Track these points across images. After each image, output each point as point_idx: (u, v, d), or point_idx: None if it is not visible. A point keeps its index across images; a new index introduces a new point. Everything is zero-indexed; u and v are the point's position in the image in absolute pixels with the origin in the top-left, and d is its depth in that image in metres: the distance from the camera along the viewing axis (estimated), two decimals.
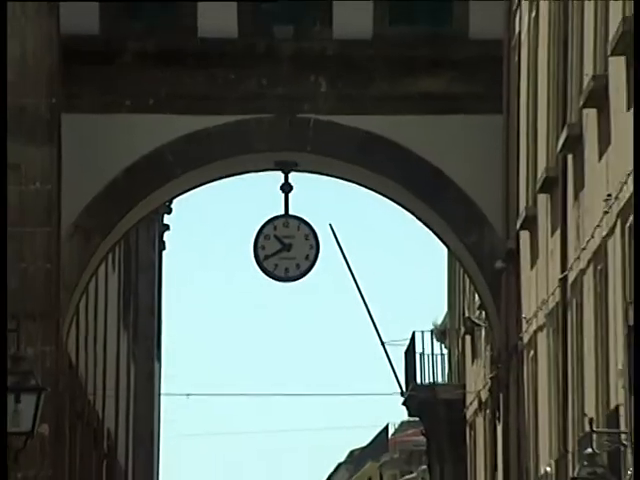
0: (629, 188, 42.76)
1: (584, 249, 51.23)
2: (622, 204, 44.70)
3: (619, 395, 42.11)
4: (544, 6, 59.55)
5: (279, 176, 68.66)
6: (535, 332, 61.94)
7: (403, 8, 66.18)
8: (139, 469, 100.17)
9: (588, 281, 50.66)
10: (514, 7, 65.96)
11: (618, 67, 44.61)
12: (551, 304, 57.29)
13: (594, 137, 49.30)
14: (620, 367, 41.80)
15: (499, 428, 71.13)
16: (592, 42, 49.47)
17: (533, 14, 61.83)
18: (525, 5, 64.04)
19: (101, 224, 64.54)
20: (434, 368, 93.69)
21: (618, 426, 42.07)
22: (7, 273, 53.75)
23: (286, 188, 67.81)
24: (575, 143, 52.46)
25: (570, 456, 51.70)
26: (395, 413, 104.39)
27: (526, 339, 63.90)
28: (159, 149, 63.43)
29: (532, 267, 62.43)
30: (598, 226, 47.45)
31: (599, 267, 48.44)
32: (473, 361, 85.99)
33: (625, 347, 41.04)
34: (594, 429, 44.05)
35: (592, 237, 49.12)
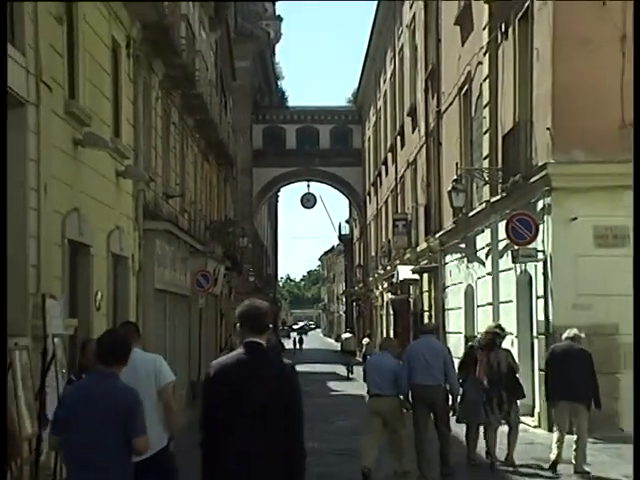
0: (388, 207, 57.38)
1: (380, 201, 58.42)
2: (390, 189, 53.75)
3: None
4: (373, 131, 64.42)
5: (305, 184, 73.71)
6: (372, 219, 66.39)
7: (336, 136, 68.03)
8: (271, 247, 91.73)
9: (384, 209, 57.81)
10: (366, 134, 67.83)
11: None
12: (374, 212, 62.67)
13: (392, 171, 56.71)
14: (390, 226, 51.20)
15: (362, 246, 74.40)
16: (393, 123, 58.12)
17: (370, 131, 65.87)
18: (368, 127, 67.24)
19: (261, 196, 68.38)
20: (345, 228, 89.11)
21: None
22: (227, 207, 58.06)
23: (308, 186, 74.07)
24: (380, 179, 59.29)
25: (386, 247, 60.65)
26: (335, 242, 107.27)
27: (370, 218, 68.41)
28: (274, 177, 67.56)
29: (369, 204, 66.16)
30: (388, 188, 56.82)
31: (387, 209, 56.94)
32: (355, 225, 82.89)
33: (391, 225, 49.59)
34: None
35: (381, 198, 57.66)
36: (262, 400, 7.47)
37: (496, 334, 18.02)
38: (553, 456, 16.59)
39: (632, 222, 17.08)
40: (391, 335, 51.27)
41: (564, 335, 17.30)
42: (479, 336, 19.77)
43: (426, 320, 38.68)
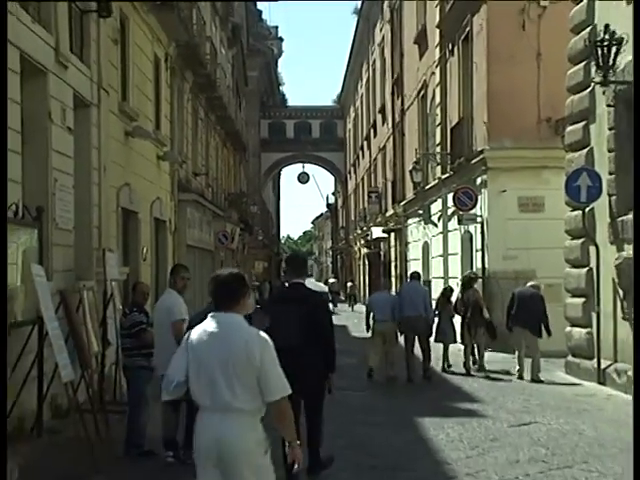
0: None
1: (358, 177, 57.12)
2: (366, 169, 57.93)
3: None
4: (353, 124, 62.20)
5: (300, 165, 70.97)
6: (352, 191, 65.00)
7: (325, 128, 66.10)
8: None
9: (361, 184, 56.79)
10: (347, 127, 65.55)
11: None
12: (354, 186, 61.49)
13: (367, 155, 55.34)
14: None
15: (344, 212, 72.46)
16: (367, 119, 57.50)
17: (350, 125, 63.64)
18: (348, 121, 64.97)
19: (267, 174, 65.57)
20: (331, 198, 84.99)
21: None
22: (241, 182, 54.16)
23: (303, 167, 70.72)
24: (358, 161, 57.51)
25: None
26: (324, 209, 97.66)
27: (350, 191, 66.48)
28: (275, 161, 64.90)
29: (350, 180, 64.21)
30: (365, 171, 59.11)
31: (364, 183, 55.35)
32: (339, 196, 78.56)
33: (366, 196, 49.82)
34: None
35: (359, 176, 56.14)
36: (302, 317, 8.42)
37: (472, 278, 18.93)
38: (518, 367, 17.22)
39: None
40: (367, 280, 52.00)
41: (528, 283, 17.65)
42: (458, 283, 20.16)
43: (392, 268, 39.07)
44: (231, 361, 4.95)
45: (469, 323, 18.16)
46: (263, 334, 5.11)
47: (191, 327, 8.47)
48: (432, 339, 17.97)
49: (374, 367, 17.36)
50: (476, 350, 18.56)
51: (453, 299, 19.23)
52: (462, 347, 18.67)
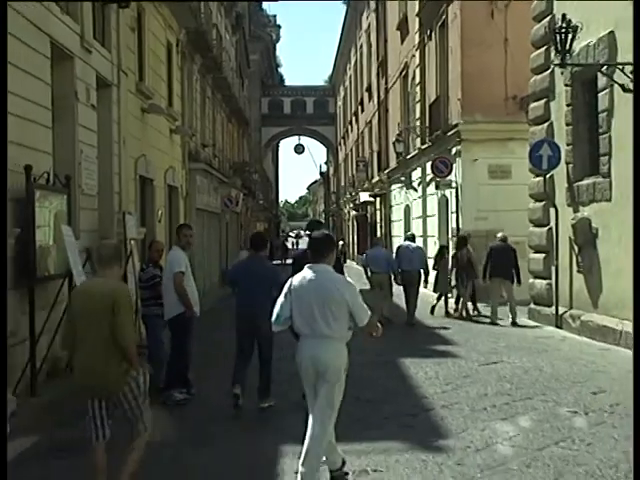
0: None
1: (347, 148, 57.11)
2: (354, 141, 55.40)
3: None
4: (343, 102, 61.18)
5: (297, 137, 68.85)
6: (342, 161, 63.51)
7: (318, 105, 64.36)
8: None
9: (350, 154, 56.96)
10: (338, 104, 64.08)
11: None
12: (344, 156, 60.38)
13: (355, 129, 55.34)
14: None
15: (335, 179, 70.36)
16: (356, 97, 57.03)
17: (340, 102, 62.74)
18: (339, 99, 63.59)
19: (267, 146, 64.54)
20: (324, 167, 79.86)
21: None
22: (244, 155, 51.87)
23: (299, 139, 68.65)
24: (347, 134, 56.07)
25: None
26: (318, 176, 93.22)
27: (341, 160, 65.34)
28: (274, 134, 63.81)
29: (340, 151, 63.18)
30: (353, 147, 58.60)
31: (352, 154, 55.65)
32: (331, 165, 76.30)
33: (355, 165, 52.22)
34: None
35: (348, 147, 56.21)
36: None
37: (465, 238, 18.88)
38: (491, 315, 17.42)
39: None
40: (355, 239, 51.76)
41: (498, 236, 17.75)
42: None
43: (378, 229, 38.94)
44: (326, 300, 5.79)
45: (463, 277, 18.21)
46: (349, 279, 5.98)
47: (233, 272, 9.37)
48: (428, 289, 18.33)
49: (379, 315, 17.26)
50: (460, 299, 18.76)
51: (447, 256, 19.52)
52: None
